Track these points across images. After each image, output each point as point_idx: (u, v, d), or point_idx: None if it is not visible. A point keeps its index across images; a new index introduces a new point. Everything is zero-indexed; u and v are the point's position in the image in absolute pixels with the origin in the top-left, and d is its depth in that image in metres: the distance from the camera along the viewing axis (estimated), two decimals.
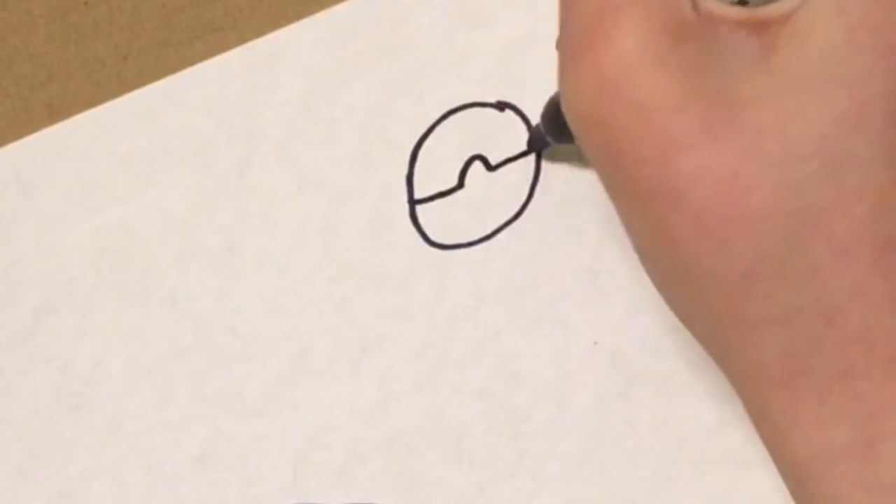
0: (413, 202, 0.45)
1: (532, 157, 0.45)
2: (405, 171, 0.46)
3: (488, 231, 0.45)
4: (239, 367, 0.45)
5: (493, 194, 0.45)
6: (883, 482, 0.32)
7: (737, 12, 0.33)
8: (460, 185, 0.45)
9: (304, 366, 0.44)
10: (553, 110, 0.42)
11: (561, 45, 0.34)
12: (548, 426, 0.43)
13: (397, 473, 0.43)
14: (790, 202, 0.32)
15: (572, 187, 0.44)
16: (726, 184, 0.32)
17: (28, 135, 0.48)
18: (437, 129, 0.46)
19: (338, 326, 0.44)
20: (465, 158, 0.45)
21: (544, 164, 0.45)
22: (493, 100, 0.45)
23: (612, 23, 0.33)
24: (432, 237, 0.45)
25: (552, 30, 0.36)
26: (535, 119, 0.44)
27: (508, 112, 0.45)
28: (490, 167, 0.45)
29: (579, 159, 0.44)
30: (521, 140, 0.45)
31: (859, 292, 0.32)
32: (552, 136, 0.43)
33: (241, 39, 0.48)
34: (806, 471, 0.33)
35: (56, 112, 0.48)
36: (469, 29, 0.46)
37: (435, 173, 0.45)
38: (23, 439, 0.45)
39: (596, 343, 0.43)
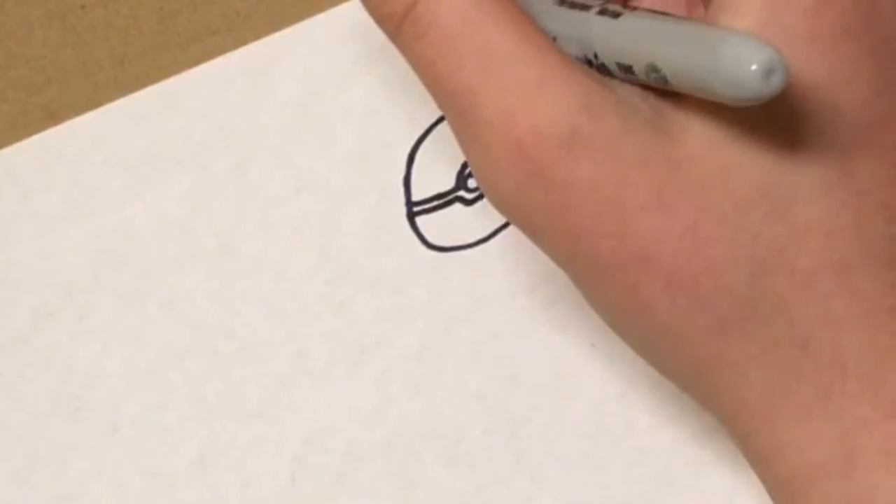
0: (410, 205, 0.45)
1: None
2: (402, 173, 0.46)
3: (486, 233, 0.45)
4: (237, 370, 0.45)
5: None
6: (863, 497, 0.33)
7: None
8: (458, 187, 0.45)
9: (302, 368, 0.44)
10: None
11: (469, 149, 0.35)
12: (546, 428, 0.43)
13: (395, 476, 0.43)
14: (750, 247, 0.33)
15: None
16: (687, 241, 0.33)
17: (25, 138, 0.48)
18: (434, 131, 0.46)
19: (336, 329, 0.45)
20: (463, 161, 0.45)
21: None
22: None
23: (529, 119, 0.33)
24: (430, 240, 0.45)
25: None
26: None
27: None
28: None
29: None
30: None
31: (827, 317, 0.33)
32: None
33: (239, 43, 0.48)
34: (790, 491, 0.34)
35: (53, 115, 0.48)
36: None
37: (432, 176, 0.45)
38: (21, 442, 0.45)
39: (593, 345, 0.43)
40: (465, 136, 0.35)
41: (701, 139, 0.33)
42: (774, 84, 0.30)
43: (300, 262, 0.45)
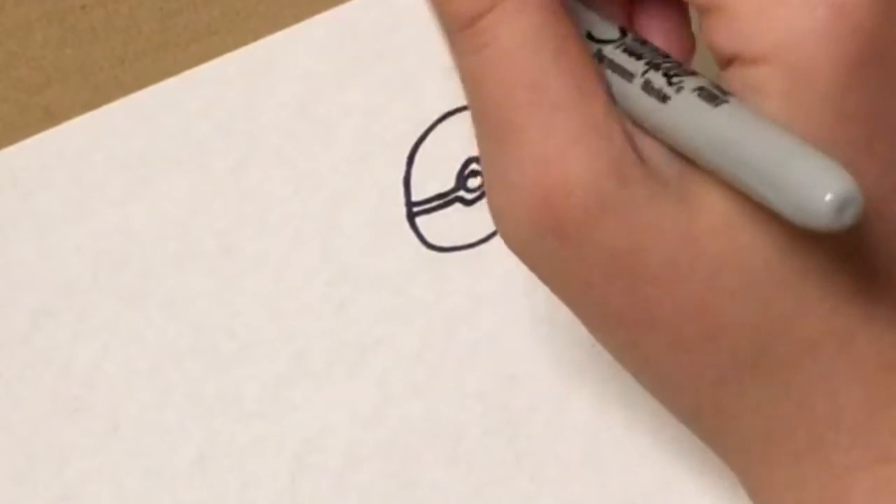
0: (410, 205, 0.45)
1: None
2: (402, 173, 0.46)
3: (486, 233, 0.45)
4: (237, 370, 0.45)
5: None
6: None
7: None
8: (458, 187, 0.45)
9: (302, 368, 0.44)
10: None
11: (494, 179, 0.35)
12: (546, 428, 0.43)
13: (395, 476, 0.43)
14: (755, 317, 0.33)
15: None
16: (695, 309, 0.33)
17: (25, 138, 0.48)
18: (434, 131, 0.46)
19: (336, 329, 0.45)
20: (463, 160, 0.45)
21: None
22: None
23: (562, 171, 0.33)
24: (430, 240, 0.45)
25: None
26: None
27: None
28: None
29: None
30: None
31: (825, 379, 0.34)
32: None
33: (238, 43, 0.48)
34: None
35: (53, 115, 0.48)
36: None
37: (432, 176, 0.45)
38: (21, 442, 0.45)
39: (594, 345, 0.43)
40: (493, 163, 0.34)
41: (720, 215, 0.33)
42: (847, 219, 0.27)
43: (300, 262, 0.45)
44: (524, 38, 0.33)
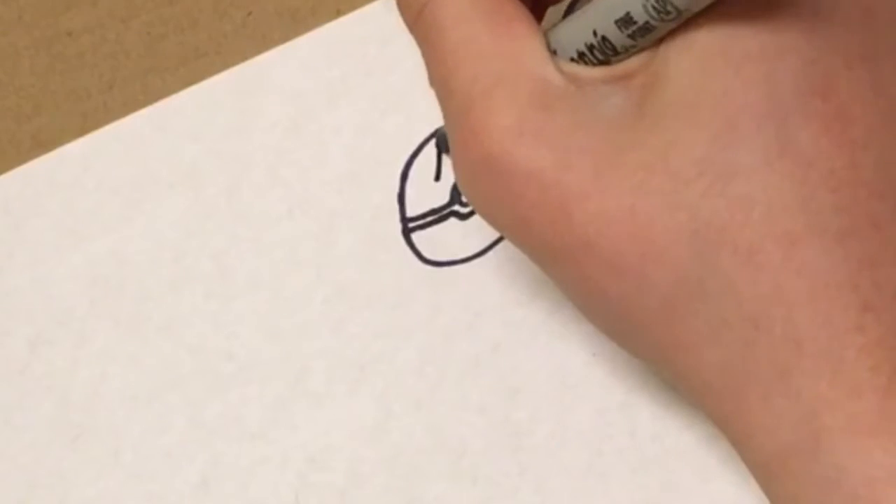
0: (405, 221, 0.45)
1: None
2: (396, 190, 0.46)
3: (482, 247, 0.45)
4: (237, 391, 0.45)
5: None
6: (831, 478, 0.32)
7: (599, 72, 0.35)
8: (452, 202, 0.45)
9: (302, 387, 0.44)
10: None
11: (448, 137, 0.37)
12: (549, 439, 0.43)
13: (400, 492, 0.43)
14: (690, 224, 0.33)
15: None
16: (628, 223, 0.33)
17: (16, 167, 0.48)
18: (427, 147, 0.46)
19: (335, 347, 0.44)
20: None
21: None
22: None
23: (486, 110, 0.35)
24: (426, 255, 0.45)
25: None
26: None
27: None
28: None
29: None
30: None
31: (776, 293, 0.33)
32: None
33: (226, 64, 0.48)
34: (766, 474, 0.34)
35: (43, 143, 0.48)
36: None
37: (426, 192, 0.45)
38: (22, 471, 0.45)
39: (594, 355, 0.43)
40: (449, 133, 0.37)
41: (647, 121, 0.33)
42: None
43: (297, 282, 0.45)
44: (459, 12, 0.36)
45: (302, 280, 0.45)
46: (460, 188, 0.37)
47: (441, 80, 0.36)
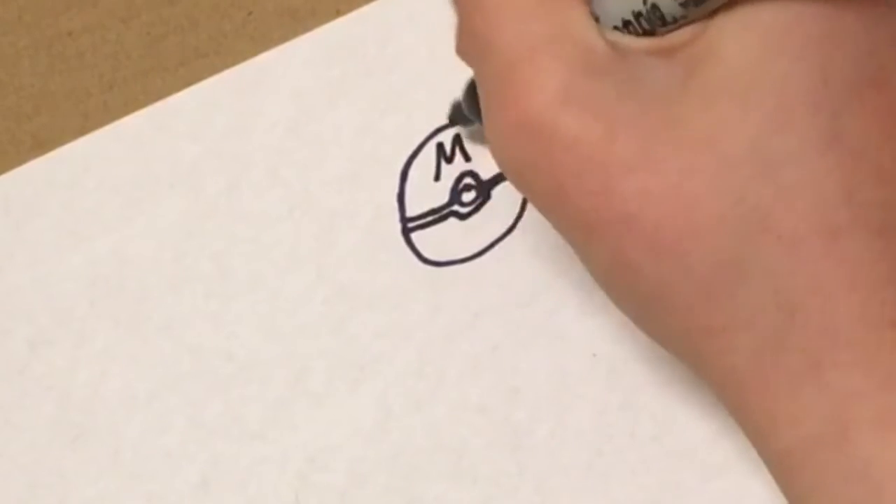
0: (405, 221, 0.45)
1: None
2: (396, 190, 0.46)
3: (482, 247, 0.45)
4: (237, 391, 0.45)
5: (486, 209, 0.45)
6: (857, 469, 0.32)
7: (645, 43, 0.34)
8: (452, 202, 0.45)
9: (302, 387, 0.44)
10: (474, 89, 0.42)
11: (482, 98, 0.36)
12: (549, 439, 0.43)
13: (400, 492, 0.43)
14: (735, 209, 0.33)
15: None
16: (672, 201, 0.33)
17: (16, 167, 0.48)
18: (427, 146, 0.46)
19: (335, 347, 0.44)
20: (456, 175, 0.45)
21: None
22: None
23: (531, 72, 0.34)
24: (426, 255, 0.45)
25: None
26: None
27: None
28: (481, 182, 0.45)
29: None
30: None
31: (815, 283, 0.32)
32: (473, 114, 0.43)
33: (226, 64, 0.48)
34: (786, 464, 0.34)
35: (44, 143, 0.48)
36: (454, 47, 0.46)
37: (426, 191, 0.45)
38: (23, 471, 0.45)
39: (595, 355, 0.43)
40: (484, 94, 0.36)
41: (696, 98, 0.33)
42: None
43: (296, 282, 0.45)
44: None
45: (302, 280, 0.45)
46: (492, 151, 0.36)
47: (482, 37, 0.35)
